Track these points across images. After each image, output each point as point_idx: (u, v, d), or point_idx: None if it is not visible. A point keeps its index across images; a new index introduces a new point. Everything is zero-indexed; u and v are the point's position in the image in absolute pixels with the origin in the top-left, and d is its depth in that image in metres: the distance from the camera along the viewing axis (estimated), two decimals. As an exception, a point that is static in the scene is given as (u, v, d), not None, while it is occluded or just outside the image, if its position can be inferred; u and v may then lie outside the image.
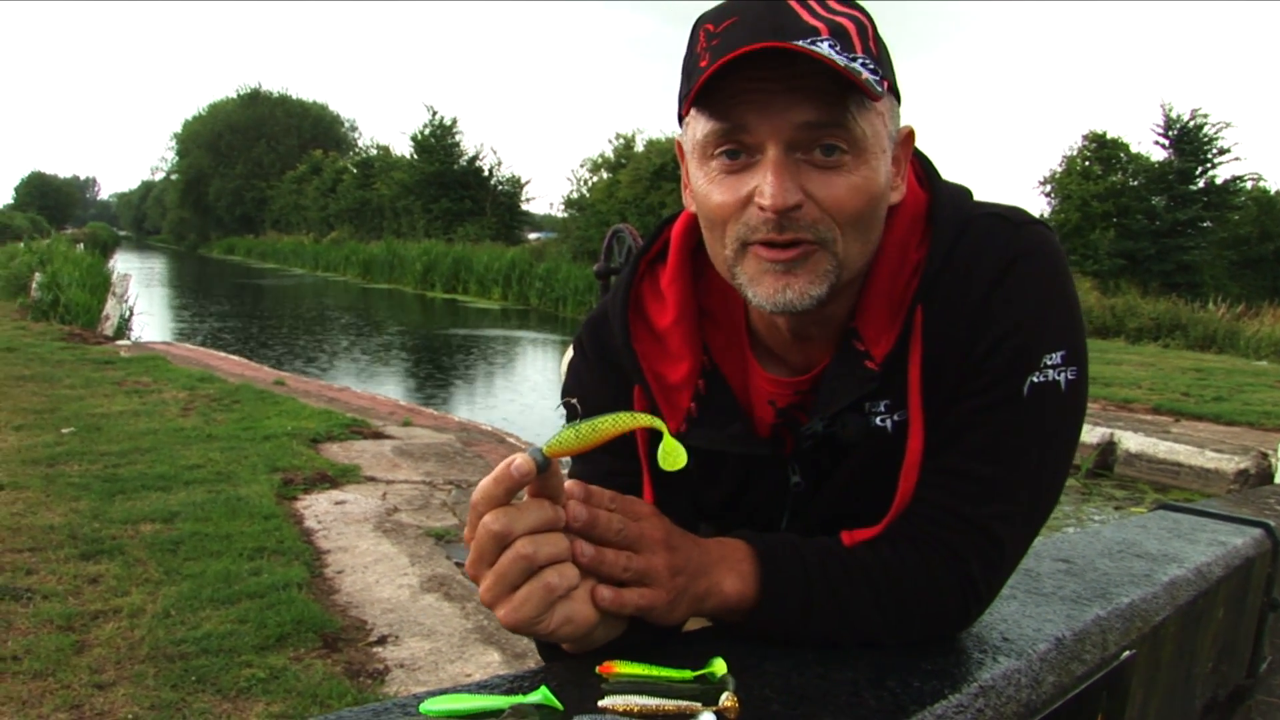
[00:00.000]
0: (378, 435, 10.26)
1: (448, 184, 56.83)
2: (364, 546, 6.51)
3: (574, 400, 1.57)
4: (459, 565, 6.20)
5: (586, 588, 1.17)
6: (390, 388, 17.45)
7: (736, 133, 1.25)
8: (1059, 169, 36.15)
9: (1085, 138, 36.04)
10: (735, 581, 1.28)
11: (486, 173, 57.75)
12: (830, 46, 1.20)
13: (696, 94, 1.24)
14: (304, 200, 74.93)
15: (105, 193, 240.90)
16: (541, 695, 1.03)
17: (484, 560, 1.11)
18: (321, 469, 8.40)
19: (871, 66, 1.23)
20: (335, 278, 54.21)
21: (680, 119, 1.35)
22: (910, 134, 1.39)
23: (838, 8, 1.26)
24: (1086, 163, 35.35)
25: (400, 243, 52.80)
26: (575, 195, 47.41)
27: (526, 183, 58.56)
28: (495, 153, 76.06)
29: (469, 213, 55.33)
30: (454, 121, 58.90)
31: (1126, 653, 1.78)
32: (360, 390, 14.57)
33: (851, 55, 1.22)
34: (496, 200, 56.50)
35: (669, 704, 1.03)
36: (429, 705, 0.99)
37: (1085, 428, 11.90)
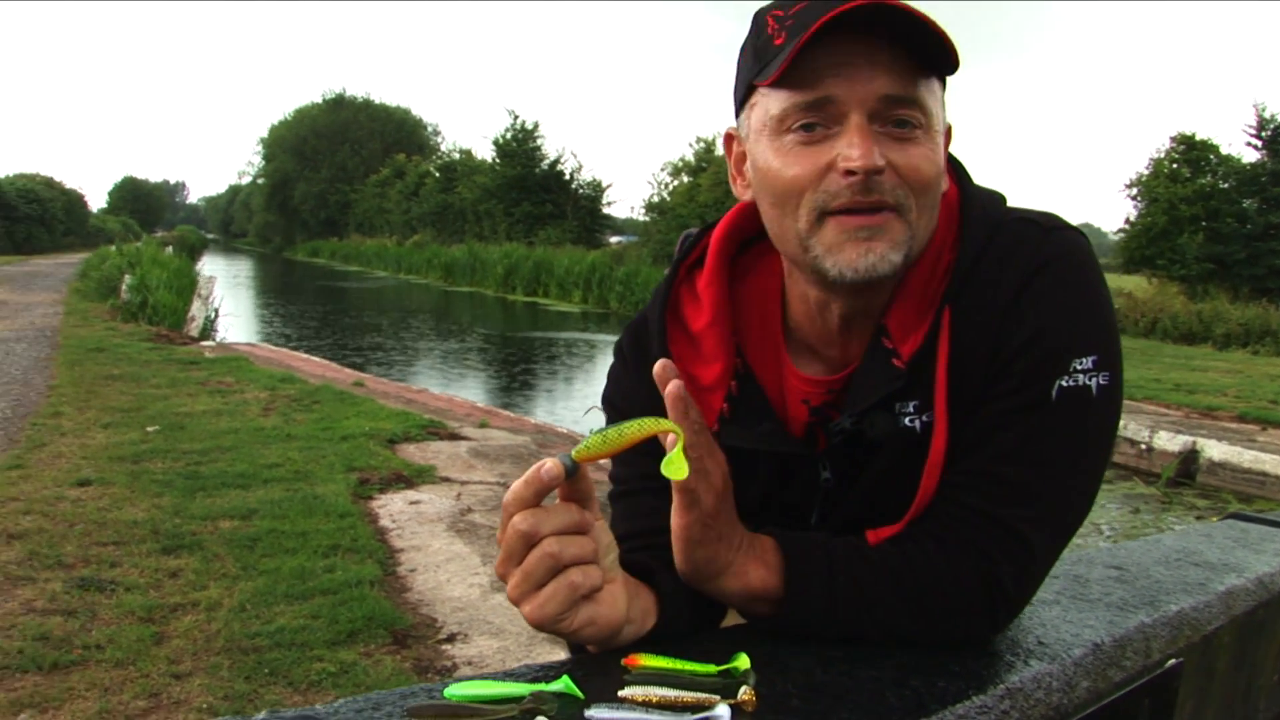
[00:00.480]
0: (454, 436, 10.36)
1: (529, 188, 57.16)
2: (437, 546, 6.59)
3: (611, 404, 1.63)
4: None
5: (612, 590, 1.21)
6: (468, 390, 17.62)
7: (821, 104, 1.28)
8: (1146, 172, 35.51)
9: (1173, 140, 35.39)
10: (760, 570, 1.32)
11: (567, 176, 58.01)
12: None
13: (784, 71, 1.27)
14: (387, 204, 75.86)
15: (194, 197, 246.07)
16: (563, 684, 1.07)
17: (512, 559, 1.16)
18: (397, 469, 8.52)
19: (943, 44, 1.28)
20: (417, 280, 54.78)
21: (741, 105, 1.39)
22: (950, 128, 1.43)
23: None
24: (1174, 165, 34.70)
25: (482, 246, 53.18)
26: (656, 199, 47.52)
27: (607, 186, 58.79)
28: (576, 156, 76.23)
29: (550, 216, 55.61)
30: (535, 125, 59.21)
31: (1172, 661, 1.76)
32: (438, 392, 14.73)
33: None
34: (577, 204, 56.73)
35: (687, 695, 1.06)
36: (453, 689, 1.03)
37: (1166, 435, 11.80)
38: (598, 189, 57.87)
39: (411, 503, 7.62)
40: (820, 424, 1.47)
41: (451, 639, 5.02)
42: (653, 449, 1.29)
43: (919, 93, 1.28)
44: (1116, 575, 2.07)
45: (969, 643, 1.40)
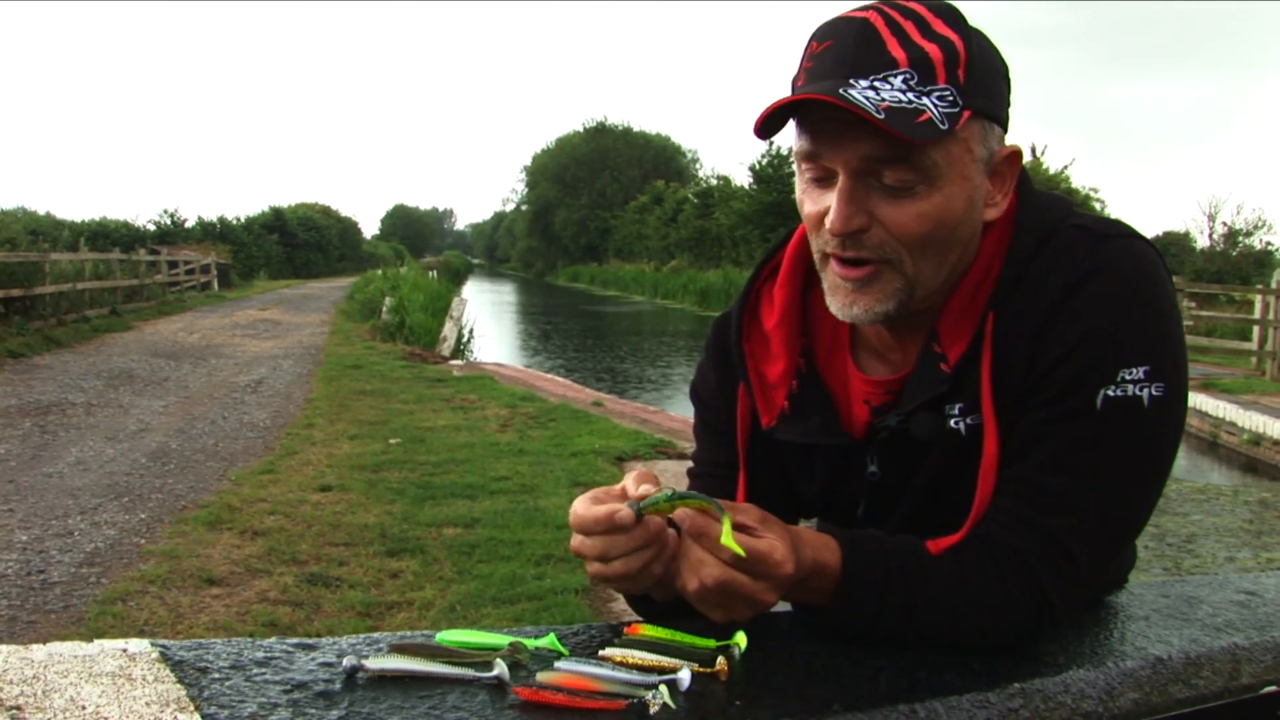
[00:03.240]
0: (682, 456, 10.48)
1: (786, 214, 56.89)
2: (648, 559, 6.73)
3: (696, 394, 1.74)
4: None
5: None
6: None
7: (814, 156, 1.35)
8: None
9: None
10: (811, 595, 1.36)
11: (824, 202, 57.51)
12: (905, 81, 1.28)
13: (758, 125, 1.36)
14: (645, 229, 76.91)
15: (461, 223, 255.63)
16: (549, 641, 1.18)
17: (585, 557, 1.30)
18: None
19: (950, 98, 1.30)
20: (673, 305, 55.37)
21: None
22: (1015, 153, 1.43)
23: (939, 29, 1.33)
24: None
25: (737, 271, 53.24)
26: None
27: (864, 211, 58.00)
28: (833, 181, 75.52)
29: (806, 242, 55.24)
30: (790, 151, 59.09)
31: (1271, 688, 1.70)
32: (674, 414, 14.91)
33: (927, 88, 1.29)
34: (832, 230, 56.22)
35: (664, 660, 1.14)
36: (445, 635, 1.16)
37: None
38: (853, 214, 57.19)
39: (629, 518, 7.77)
40: (878, 424, 1.52)
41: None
42: (727, 441, 1.39)
43: (909, 149, 1.29)
44: (1242, 600, 1.98)
45: (1009, 650, 1.40)
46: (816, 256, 1.42)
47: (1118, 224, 1.44)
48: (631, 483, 1.30)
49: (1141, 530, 1.47)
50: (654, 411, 14.59)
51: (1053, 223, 1.42)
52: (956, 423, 1.42)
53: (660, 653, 1.18)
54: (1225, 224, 41.49)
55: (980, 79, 1.35)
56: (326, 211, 74.58)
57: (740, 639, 1.24)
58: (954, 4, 1.38)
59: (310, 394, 13.45)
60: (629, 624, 1.28)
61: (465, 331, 23.83)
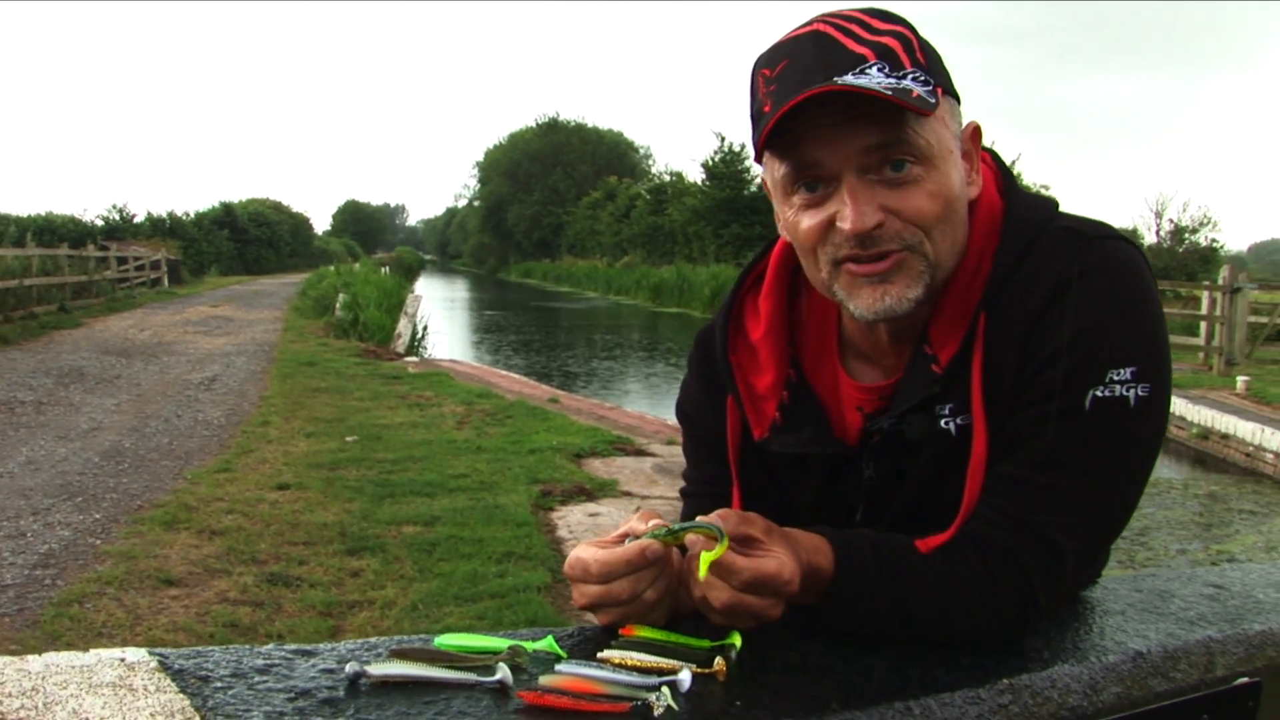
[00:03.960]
0: (640, 452, 10.51)
1: (738, 210, 57.13)
2: (609, 557, 6.73)
3: (682, 411, 1.73)
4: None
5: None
6: (664, 408, 17.76)
7: (810, 169, 1.35)
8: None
9: None
10: (804, 596, 1.35)
11: (777, 199, 57.67)
12: (880, 70, 1.30)
13: (766, 140, 1.35)
14: (598, 225, 76.88)
15: (413, 219, 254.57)
16: (547, 643, 1.18)
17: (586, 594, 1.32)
18: (580, 482, 8.72)
19: (923, 78, 1.32)
20: (626, 301, 55.40)
21: (758, 159, 1.44)
22: (976, 129, 1.46)
23: (882, 27, 1.35)
24: None
25: (690, 267, 53.36)
26: (867, 222, 46.92)
27: (816, 209, 58.19)
28: (786, 178, 75.68)
29: (759, 238, 55.30)
30: (743, 147, 59.19)
31: (1243, 680, 1.73)
32: (631, 409, 14.93)
33: (901, 73, 1.31)
34: (786, 227, 56.38)
35: (663, 662, 1.14)
36: (443, 639, 1.15)
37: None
38: (805, 213, 57.36)
39: (590, 514, 7.79)
40: (869, 427, 1.53)
41: (608, 646, 5.15)
42: (718, 456, 1.39)
43: (907, 132, 1.31)
44: (1211, 593, 2.01)
45: (994, 646, 1.41)
46: (825, 273, 1.41)
47: (1103, 225, 1.45)
48: (639, 522, 1.33)
49: (1124, 527, 1.49)
50: (610, 408, 14.60)
51: (1040, 223, 1.43)
52: (947, 423, 1.43)
53: (657, 653, 1.18)
54: (1172, 221, 41.94)
55: (934, 60, 1.38)
56: (278, 207, 74.05)
57: (735, 638, 1.24)
58: (880, 5, 1.40)
59: (265, 391, 13.35)
60: (624, 626, 1.28)
61: (420, 328, 23.73)
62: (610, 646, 1.19)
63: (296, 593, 5.76)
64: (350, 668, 1.04)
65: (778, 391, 1.54)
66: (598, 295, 61.24)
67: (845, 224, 1.32)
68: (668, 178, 72.38)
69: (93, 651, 1.05)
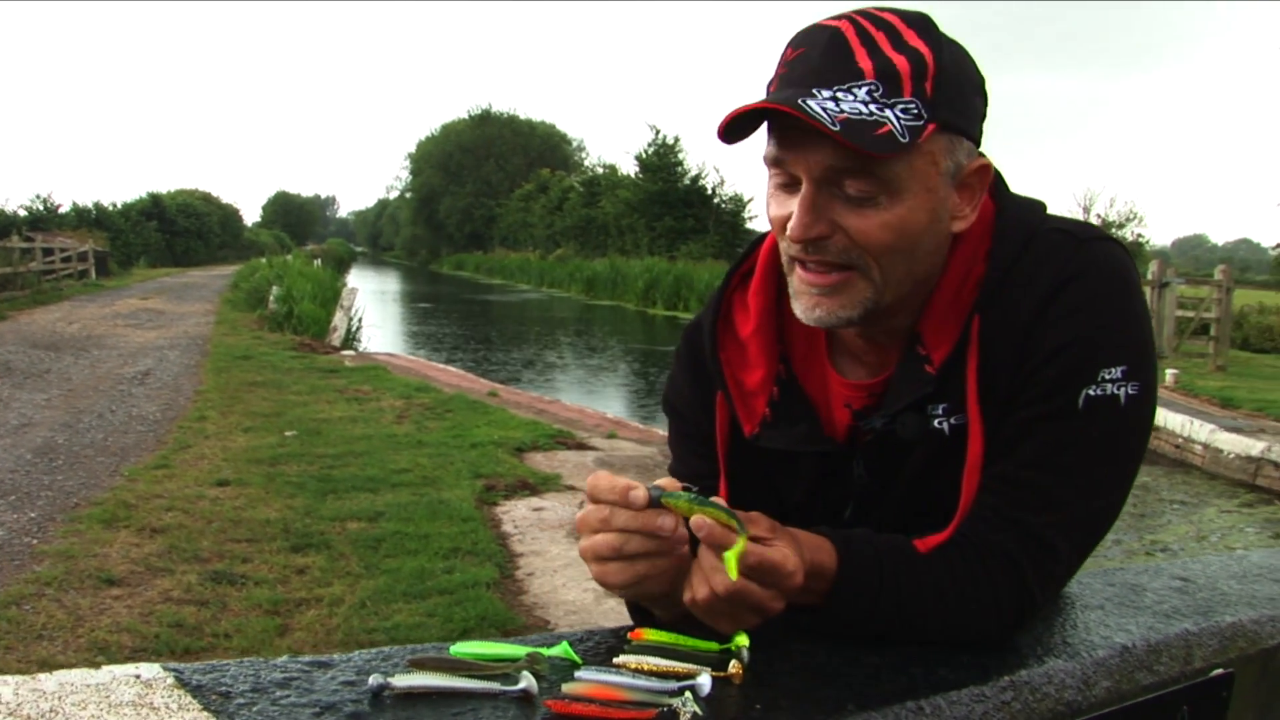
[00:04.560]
0: (581, 446, 10.51)
1: (671, 202, 57.28)
2: (555, 551, 6.73)
3: (669, 404, 1.72)
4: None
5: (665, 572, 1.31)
6: (605, 402, 17.77)
7: (780, 162, 1.36)
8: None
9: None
10: (806, 596, 1.35)
11: (709, 191, 57.96)
12: (868, 93, 1.29)
13: (722, 128, 1.35)
14: (531, 218, 76.78)
15: (344, 211, 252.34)
16: (562, 649, 1.16)
17: (587, 526, 1.30)
18: (523, 477, 8.70)
19: (914, 111, 1.30)
20: (559, 294, 55.36)
21: None
22: (984, 167, 1.43)
23: (910, 41, 1.33)
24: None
25: (623, 260, 53.40)
26: (799, 215, 47.17)
27: (749, 201, 58.51)
28: (718, 171, 76.02)
29: (692, 231, 55.67)
30: (676, 140, 59.47)
31: (1219, 671, 1.76)
32: (570, 403, 14.91)
33: (890, 101, 1.29)
34: (719, 218, 56.67)
35: (678, 666, 1.14)
36: (458, 647, 1.14)
37: (1330, 459, 11.34)
38: (740, 204, 57.74)
39: (534, 509, 7.78)
40: (860, 427, 1.53)
41: (561, 641, 5.14)
42: (707, 450, 1.38)
43: (869, 161, 1.30)
44: (1179, 586, 2.06)
45: (989, 644, 1.43)
46: (784, 260, 1.43)
47: (1092, 227, 1.48)
48: (665, 482, 1.30)
49: (1114, 523, 1.50)
50: (550, 401, 14.58)
51: (1033, 226, 1.45)
52: (940, 423, 1.44)
53: (669, 657, 1.17)
54: (1099, 216, 42.62)
55: (949, 92, 1.35)
56: (207, 198, 73.02)
57: (743, 640, 1.24)
58: (927, 14, 1.39)
59: (200, 386, 13.16)
60: (632, 629, 1.27)
61: (355, 321, 23.54)
62: (624, 651, 1.19)
63: (242, 591, 5.68)
64: (373, 680, 1.02)
65: (768, 388, 1.54)
66: (531, 288, 61.14)
67: (789, 229, 1.34)
68: (601, 170, 72.58)
69: (105, 668, 1.02)
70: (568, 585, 6.06)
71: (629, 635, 1.25)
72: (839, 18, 1.36)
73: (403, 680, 1.03)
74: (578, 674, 1.10)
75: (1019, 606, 1.41)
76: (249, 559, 6.26)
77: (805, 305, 1.39)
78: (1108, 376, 1.36)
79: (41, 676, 0.99)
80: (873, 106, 1.28)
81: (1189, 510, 10.79)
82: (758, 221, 60.64)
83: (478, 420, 11.35)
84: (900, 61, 1.31)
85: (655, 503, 1.25)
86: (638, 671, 1.13)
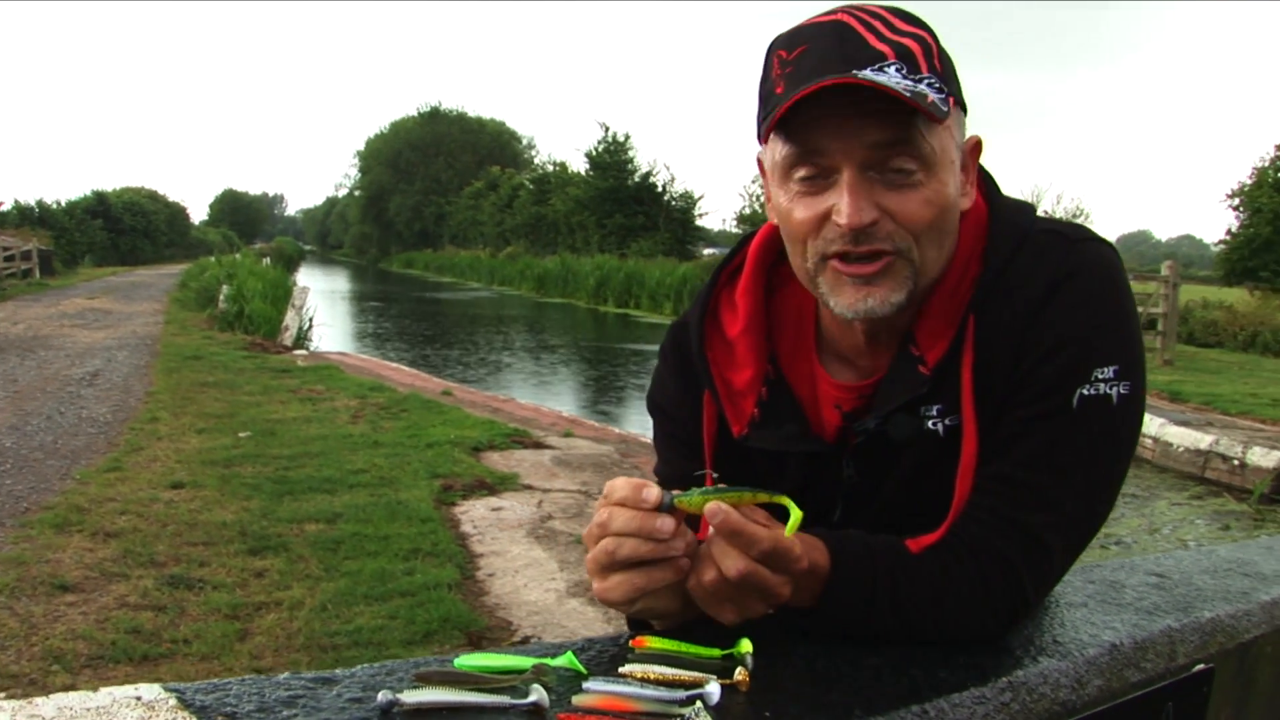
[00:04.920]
0: (538, 445, 10.48)
1: (621, 200, 57.27)
2: (516, 551, 6.70)
3: (655, 404, 1.70)
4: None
5: (673, 587, 1.29)
6: (557, 400, 17.73)
7: (812, 156, 1.35)
8: (1249, 181, 34.61)
9: (1278, 148, 34.47)
10: (801, 595, 1.34)
11: (660, 188, 57.99)
12: (897, 70, 1.30)
13: (775, 120, 1.34)
14: (481, 216, 76.58)
15: (292, 209, 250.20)
16: (567, 660, 1.15)
17: (591, 537, 1.28)
18: (481, 476, 8.65)
19: (937, 85, 1.32)
20: (510, 292, 55.22)
21: (760, 139, 1.45)
22: (977, 144, 1.47)
23: (904, 27, 1.35)
24: (1279, 174, 33.79)
25: (574, 258, 53.41)
26: (748, 211, 47.36)
27: (699, 198, 58.64)
28: (668, 168, 76.13)
29: (642, 228, 55.70)
30: (627, 137, 59.45)
31: (1200, 666, 1.78)
32: (525, 401, 14.86)
33: (917, 77, 1.31)
34: (670, 216, 56.71)
35: (684, 674, 1.13)
36: (463, 660, 1.11)
37: (1260, 451, 11.55)
38: (690, 201, 57.79)
39: (493, 509, 7.74)
40: (851, 428, 1.52)
41: (525, 642, 5.11)
42: (695, 452, 1.37)
43: (914, 134, 1.31)
44: (1156, 582, 2.08)
45: (982, 642, 1.44)
46: (811, 265, 1.41)
47: (1082, 228, 1.49)
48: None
49: (1105, 522, 1.51)
50: (505, 400, 14.54)
51: (1025, 227, 1.46)
52: (935, 424, 1.44)
53: (674, 666, 1.16)
54: (1047, 213, 42.93)
55: (949, 69, 1.40)
56: (154, 196, 72.14)
57: (745, 645, 1.23)
58: (903, 5, 1.41)
59: (151, 386, 12.98)
60: (633, 637, 1.26)
61: (307, 320, 23.35)
62: (629, 660, 1.17)
63: (200, 595, 5.60)
64: (383, 697, 1.00)
65: (756, 387, 1.53)
66: (481, 286, 60.98)
67: (841, 218, 1.32)
68: (551, 168, 72.44)
69: (104, 690, 0.99)
70: (529, 586, 6.03)
71: (631, 643, 1.24)
72: (830, 13, 1.38)
73: (411, 696, 1.00)
74: (586, 685, 1.08)
75: (1013, 606, 1.41)
76: (206, 562, 6.17)
77: (851, 299, 1.37)
78: (1101, 376, 1.37)
79: (38, 700, 0.95)
80: (909, 81, 1.30)
81: (1140, 503, 10.91)
82: (708, 219, 60.76)
83: (433, 420, 11.28)
84: (909, 42, 1.34)
85: (665, 507, 1.24)
86: (645, 681, 1.11)
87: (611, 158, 58.79)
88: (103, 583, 5.79)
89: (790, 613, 1.38)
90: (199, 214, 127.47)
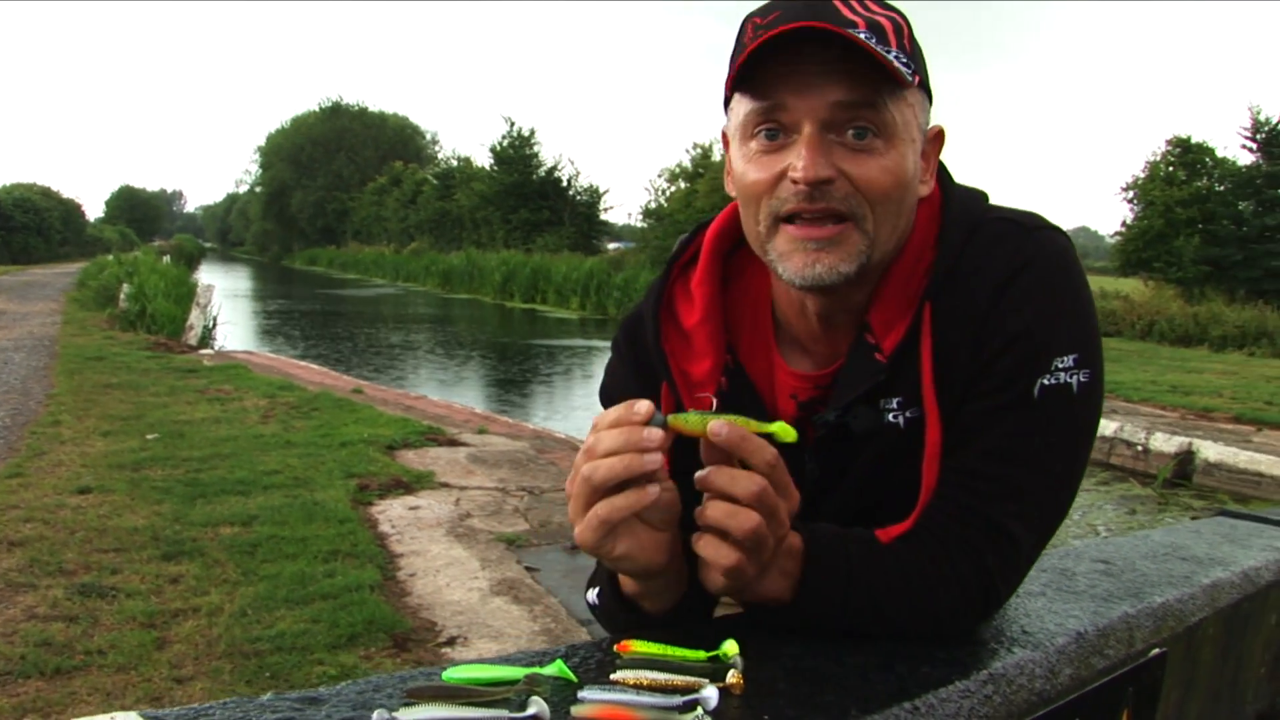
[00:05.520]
0: (453, 442, 10.37)
1: (526, 195, 57.16)
2: (436, 550, 6.62)
3: (608, 396, 1.67)
4: (529, 569, 6.31)
5: (656, 538, 1.27)
6: (467, 396, 17.62)
7: (775, 111, 1.34)
8: (1142, 175, 35.51)
9: (1169, 142, 35.39)
10: (780, 581, 1.34)
11: (565, 183, 57.97)
12: (868, 38, 1.29)
13: (739, 75, 1.33)
14: (384, 211, 75.93)
15: (191, 205, 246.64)
16: (557, 668, 1.11)
17: (573, 481, 1.24)
18: (397, 475, 8.54)
19: (904, 61, 1.32)
20: (415, 288, 54.79)
21: (725, 105, 1.43)
22: (940, 133, 1.47)
23: (876, 8, 1.35)
24: (1170, 168, 34.71)
25: (479, 253, 53.21)
26: (653, 205, 47.47)
27: (604, 193, 58.73)
28: (573, 163, 76.06)
29: (547, 223, 55.63)
30: (532, 132, 59.31)
31: (1155, 650, 1.80)
32: (437, 398, 14.72)
33: (886, 49, 1.30)
34: (575, 210, 56.72)
35: (677, 679, 1.09)
36: (451, 673, 1.07)
37: (1162, 436, 11.84)
38: (595, 195, 57.85)
39: (411, 508, 7.64)
40: (808, 419, 1.50)
41: (451, 642, 5.05)
42: (692, 443, 1.35)
43: (879, 100, 1.32)
44: (1103, 569, 2.11)
45: (956, 634, 1.43)
46: (763, 228, 1.40)
47: (1036, 215, 1.49)
48: None
49: (1069, 510, 1.51)
50: (417, 397, 14.38)
51: (978, 214, 1.46)
52: (895, 416, 1.44)
53: (663, 670, 1.13)
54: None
55: (918, 53, 1.40)
56: (46, 193, 70.08)
57: (731, 647, 1.20)
58: None
59: (51, 389, 12.59)
60: (619, 641, 1.22)
61: (211, 319, 22.93)
62: (618, 666, 1.14)
63: (113, 604, 5.42)
64: (377, 716, 0.95)
65: (715, 378, 1.52)
66: (386, 283, 60.43)
67: (798, 173, 1.32)
68: (455, 163, 72.00)
69: None
70: (451, 585, 5.95)
71: (615, 648, 1.20)
72: None
73: (408, 715, 0.96)
74: (582, 694, 1.05)
75: (984, 597, 1.42)
76: (118, 570, 5.98)
77: (800, 263, 1.36)
78: (1060, 365, 1.37)
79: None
80: (879, 46, 1.30)
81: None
82: (612, 213, 60.86)
83: (345, 418, 11.11)
84: (882, 19, 1.34)
85: (659, 424, 1.21)
86: (639, 687, 1.08)
87: (516, 152, 58.63)
88: (8, 594, 5.58)
89: (764, 610, 1.36)
90: (95, 211, 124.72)
